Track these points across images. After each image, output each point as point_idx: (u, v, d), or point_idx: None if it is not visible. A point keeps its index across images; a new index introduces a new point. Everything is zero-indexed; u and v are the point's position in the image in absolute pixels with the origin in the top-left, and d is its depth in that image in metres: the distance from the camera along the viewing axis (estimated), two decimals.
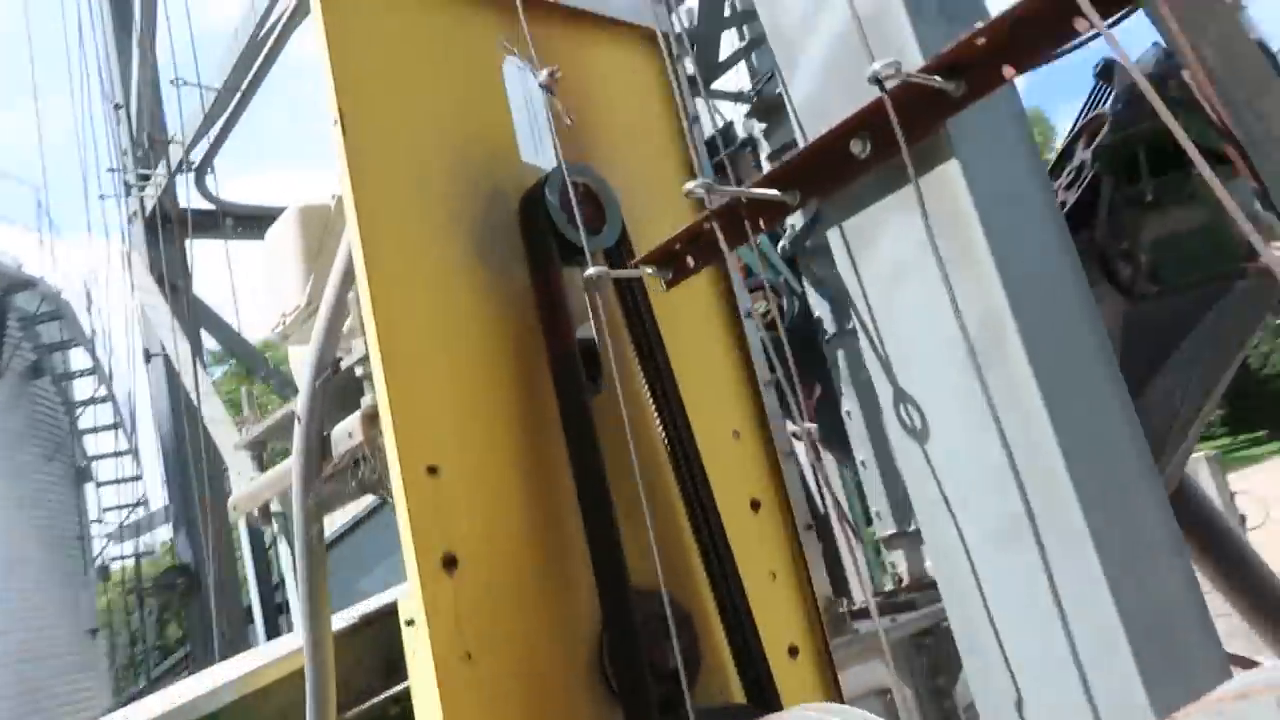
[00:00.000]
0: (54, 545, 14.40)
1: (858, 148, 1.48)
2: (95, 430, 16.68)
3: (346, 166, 2.04)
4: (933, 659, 3.25)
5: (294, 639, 2.72)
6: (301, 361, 2.72)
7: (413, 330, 1.98)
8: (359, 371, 2.04)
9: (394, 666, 2.28)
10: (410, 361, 1.95)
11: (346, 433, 1.97)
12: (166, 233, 6.36)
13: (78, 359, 17.07)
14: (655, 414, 2.25)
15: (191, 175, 6.14)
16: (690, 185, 1.61)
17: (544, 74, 1.98)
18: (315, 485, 1.95)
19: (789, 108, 1.70)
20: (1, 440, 14.04)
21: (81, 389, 17.14)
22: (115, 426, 17.01)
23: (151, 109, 6.61)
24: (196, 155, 6.06)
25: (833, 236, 1.62)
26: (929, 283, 1.40)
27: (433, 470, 1.89)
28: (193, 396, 5.62)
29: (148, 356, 6.55)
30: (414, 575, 1.82)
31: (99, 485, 16.35)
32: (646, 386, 2.26)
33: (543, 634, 1.98)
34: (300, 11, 5.00)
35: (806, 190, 1.58)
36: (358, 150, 2.07)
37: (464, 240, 2.19)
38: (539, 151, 2.49)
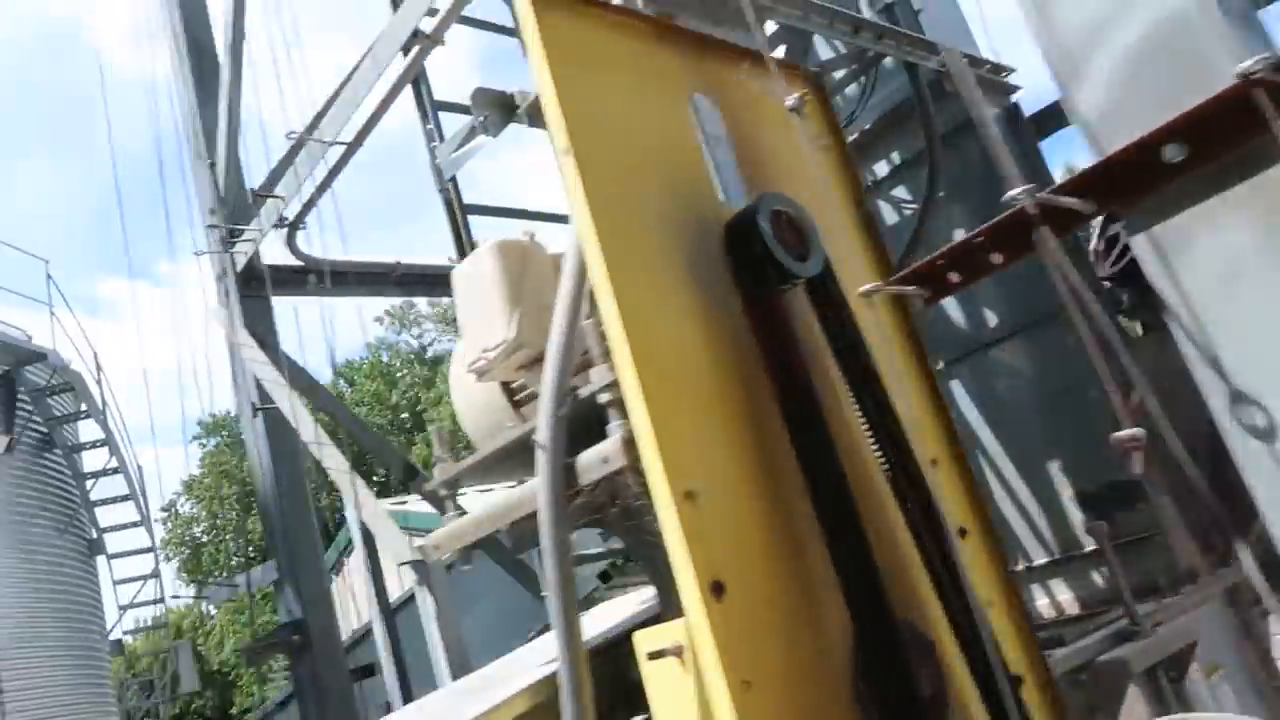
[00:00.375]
0: (69, 619, 14.07)
1: (1172, 153, 1.50)
2: (107, 502, 16.45)
3: (582, 196, 2.05)
4: (1090, 696, 3.18)
5: (473, 685, 2.64)
6: (476, 396, 2.69)
7: (661, 357, 1.97)
8: (602, 399, 2.02)
9: (617, 704, 2.21)
10: (663, 387, 1.93)
11: (600, 459, 1.94)
12: (251, 289, 6.36)
13: (87, 431, 16.87)
14: (874, 441, 2.24)
15: (282, 231, 6.17)
16: (1014, 192, 1.62)
17: (794, 98, 2.00)
18: (565, 514, 1.91)
19: (1074, 118, 1.72)
20: (14, 515, 13.81)
21: (92, 461, 16.90)
22: (128, 498, 16.80)
23: (235, 165, 6.65)
24: (288, 211, 6.09)
25: (1140, 243, 1.63)
26: (1273, 281, 1.41)
27: (690, 496, 1.86)
28: (312, 450, 5.54)
29: (254, 411, 6.47)
30: (692, 602, 1.78)
31: (111, 558, 16.05)
32: (862, 414, 2.24)
33: (802, 660, 1.94)
34: (416, 63, 5.07)
35: (1103, 199, 1.60)
36: (588, 181, 2.08)
37: (681, 268, 2.20)
38: (727, 184, 2.51)
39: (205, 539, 47.17)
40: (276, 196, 6.07)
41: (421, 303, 54.76)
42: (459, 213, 5.41)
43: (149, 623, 20.37)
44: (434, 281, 7.53)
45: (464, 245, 5.29)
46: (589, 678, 1.90)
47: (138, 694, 17.85)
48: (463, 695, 2.60)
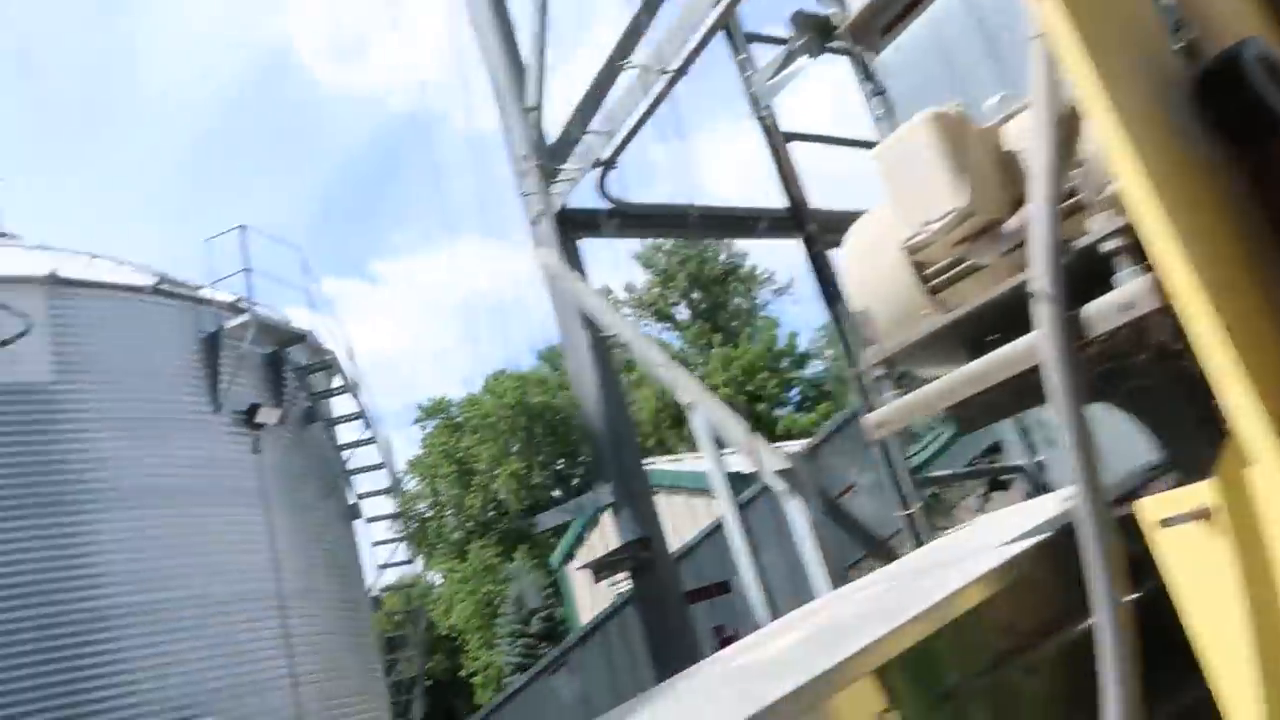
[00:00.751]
0: (336, 575, 15.34)
1: None
2: (362, 471, 17.80)
3: (1071, 33, 1.94)
4: None
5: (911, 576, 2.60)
6: (882, 285, 2.64)
7: (1172, 199, 1.84)
8: (1108, 246, 1.90)
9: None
10: (1183, 227, 1.80)
11: (1120, 306, 1.83)
12: (561, 232, 6.64)
13: (340, 407, 18.24)
14: None
15: (588, 174, 6.40)
16: None
17: None
18: (1077, 363, 1.81)
19: None
20: (287, 480, 15.14)
21: (345, 435, 18.25)
22: (379, 467, 18.15)
23: (539, 110, 6.93)
24: (597, 152, 6.30)
25: None
26: None
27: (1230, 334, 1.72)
28: (660, 373, 5.75)
29: (591, 339, 6.76)
30: (1266, 444, 1.65)
31: (369, 521, 17.39)
32: None
33: None
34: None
35: None
36: (1072, 21, 1.97)
37: (1159, 113, 2.05)
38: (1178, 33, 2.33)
39: (429, 514, 50.35)
40: (601, 133, 6.23)
41: (619, 289, 56.05)
42: (778, 138, 5.39)
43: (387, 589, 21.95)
44: (727, 223, 7.55)
45: (784, 170, 5.27)
46: (1115, 532, 1.79)
47: (383, 650, 18.93)
48: (902, 578, 2.55)
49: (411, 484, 50.78)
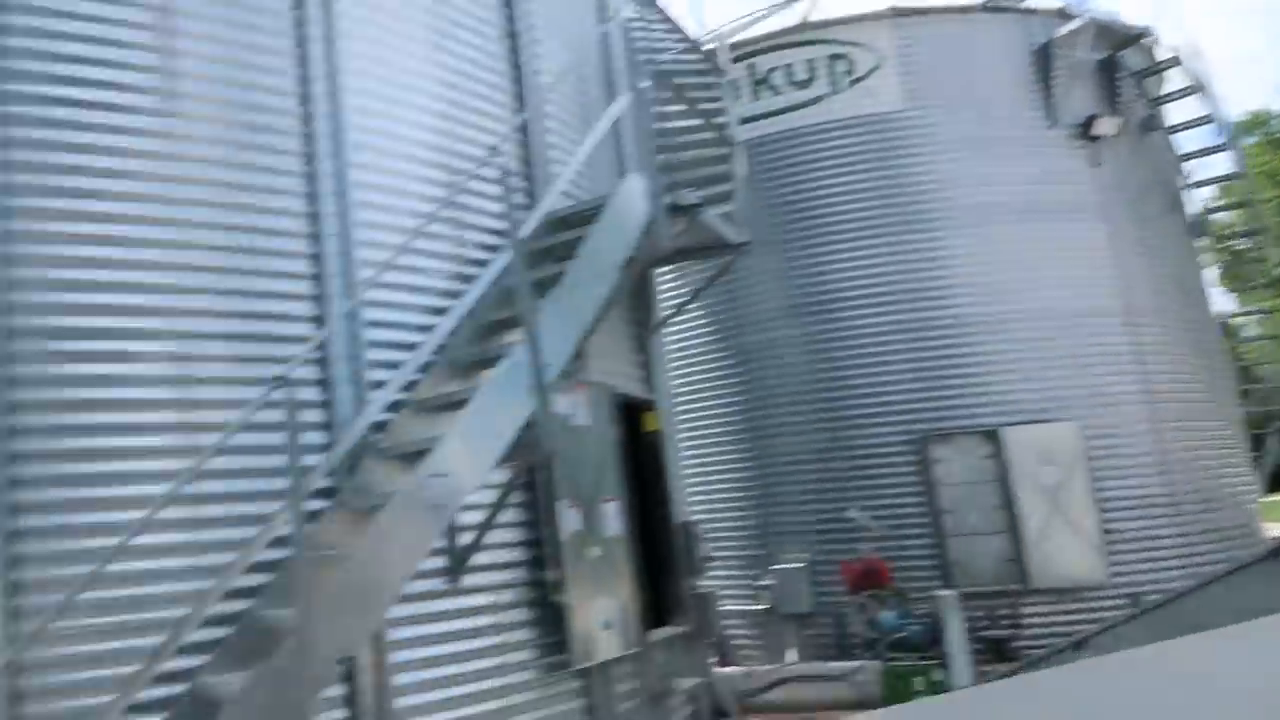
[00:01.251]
0: (1181, 295, 14.34)
1: None
2: (1206, 184, 16.01)
3: None
4: None
5: None
6: None
7: None
8: None
9: None
10: None
11: None
12: None
13: (1181, 112, 16.31)
14: None
15: None
16: None
17: None
18: None
19: None
20: (1127, 193, 14.29)
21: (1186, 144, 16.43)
22: (1229, 179, 16.13)
23: None
24: None
25: None
26: None
27: None
28: None
29: None
30: None
31: (1216, 241, 15.76)
32: None
33: None
34: None
35: None
36: None
37: None
38: None
39: (1241, 246, 44.23)
40: None
41: None
42: None
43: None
44: None
45: None
46: None
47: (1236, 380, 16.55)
48: None
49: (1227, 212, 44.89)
